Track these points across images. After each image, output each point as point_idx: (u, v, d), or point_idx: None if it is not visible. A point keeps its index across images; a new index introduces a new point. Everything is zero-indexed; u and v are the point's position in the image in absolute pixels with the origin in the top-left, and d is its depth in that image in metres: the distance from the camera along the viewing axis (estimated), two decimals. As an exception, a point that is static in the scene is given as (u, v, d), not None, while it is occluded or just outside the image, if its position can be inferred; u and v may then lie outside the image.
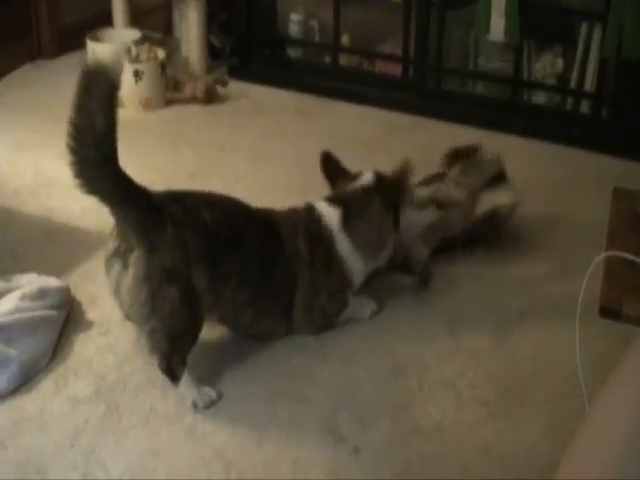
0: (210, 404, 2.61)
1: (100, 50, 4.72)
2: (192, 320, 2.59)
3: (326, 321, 2.92)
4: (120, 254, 2.53)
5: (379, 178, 2.90)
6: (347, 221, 2.83)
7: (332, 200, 2.89)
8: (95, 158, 2.37)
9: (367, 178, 2.91)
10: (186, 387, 2.60)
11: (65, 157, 3.98)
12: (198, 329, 2.63)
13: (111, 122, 2.36)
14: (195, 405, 2.59)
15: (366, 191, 2.88)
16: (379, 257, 2.94)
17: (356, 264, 2.87)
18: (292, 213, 2.88)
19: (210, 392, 2.63)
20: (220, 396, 2.64)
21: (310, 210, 2.87)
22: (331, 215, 2.84)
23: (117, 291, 2.58)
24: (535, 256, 3.35)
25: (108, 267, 2.59)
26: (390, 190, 2.89)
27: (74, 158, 2.38)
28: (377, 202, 2.87)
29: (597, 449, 1.45)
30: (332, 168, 2.98)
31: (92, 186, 2.42)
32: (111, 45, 4.75)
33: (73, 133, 2.36)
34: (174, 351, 2.57)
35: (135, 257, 2.48)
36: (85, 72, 2.35)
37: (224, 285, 2.62)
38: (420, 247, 3.15)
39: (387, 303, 3.09)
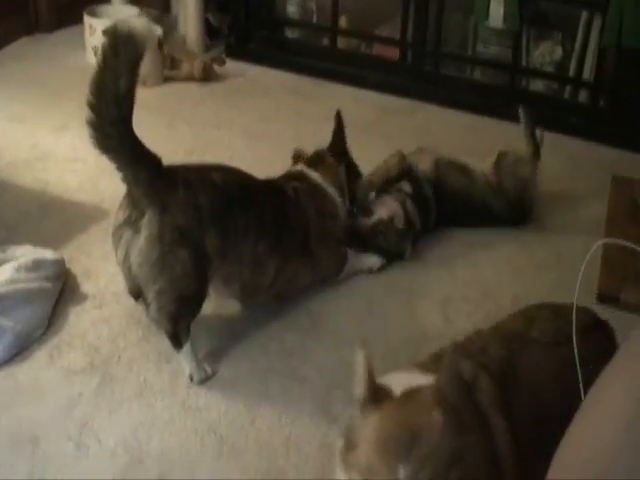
0: (205, 380, 2.61)
1: (97, 25, 4.71)
2: (200, 283, 2.61)
3: (339, 248, 3.10)
4: (130, 223, 2.55)
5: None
6: (310, 165, 3.15)
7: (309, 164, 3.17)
8: (113, 116, 2.41)
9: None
10: (186, 357, 2.61)
11: (61, 130, 4.02)
12: (204, 293, 2.65)
13: (132, 85, 2.41)
14: (191, 378, 2.60)
15: (319, 152, 3.21)
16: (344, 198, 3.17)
17: (336, 196, 3.11)
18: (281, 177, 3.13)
19: (207, 368, 2.64)
20: (215, 373, 2.64)
21: (291, 171, 3.17)
22: (297, 167, 3.18)
23: (126, 258, 2.58)
24: (531, 242, 3.35)
25: (117, 237, 2.60)
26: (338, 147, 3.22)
27: (93, 114, 2.41)
28: (328, 158, 3.19)
29: (593, 436, 1.45)
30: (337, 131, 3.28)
31: (107, 143, 2.46)
32: (108, 20, 4.73)
33: (94, 90, 2.39)
34: (181, 314, 2.58)
35: (147, 219, 2.51)
36: (114, 33, 2.38)
37: (242, 241, 2.68)
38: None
39: (380, 283, 3.11)
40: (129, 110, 2.44)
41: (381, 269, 3.18)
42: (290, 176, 3.11)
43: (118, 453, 2.35)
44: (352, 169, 3.25)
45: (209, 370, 2.64)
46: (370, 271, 3.17)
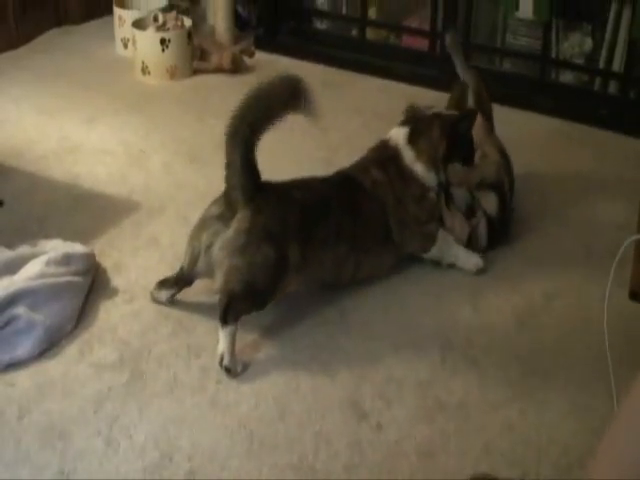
0: (234, 371, 2.63)
1: (126, 17, 4.72)
2: (272, 286, 2.72)
3: (423, 228, 3.07)
4: (223, 219, 2.71)
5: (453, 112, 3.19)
6: (412, 137, 3.06)
7: (404, 121, 3.14)
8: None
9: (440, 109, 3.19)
10: (225, 336, 2.63)
11: (91, 123, 4.04)
12: (270, 299, 2.74)
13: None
14: (220, 360, 2.62)
15: (432, 116, 3.10)
16: (439, 172, 3.07)
17: (423, 171, 3.04)
18: (364, 156, 3.14)
19: (238, 363, 2.65)
20: (245, 368, 2.65)
21: (388, 145, 3.11)
22: (399, 133, 3.09)
23: (209, 246, 2.71)
24: (560, 236, 3.32)
25: (205, 225, 2.76)
26: (452, 121, 3.08)
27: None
28: (437, 126, 3.05)
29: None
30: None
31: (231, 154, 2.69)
32: (138, 12, 4.75)
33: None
34: (241, 299, 2.66)
35: (240, 216, 2.68)
36: None
37: (322, 250, 2.82)
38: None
39: (410, 277, 3.09)
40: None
41: (479, 272, 3.12)
42: (378, 159, 3.08)
43: (148, 449, 2.36)
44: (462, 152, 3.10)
45: (239, 366, 2.65)
46: (469, 271, 3.12)
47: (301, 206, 2.80)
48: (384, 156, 3.08)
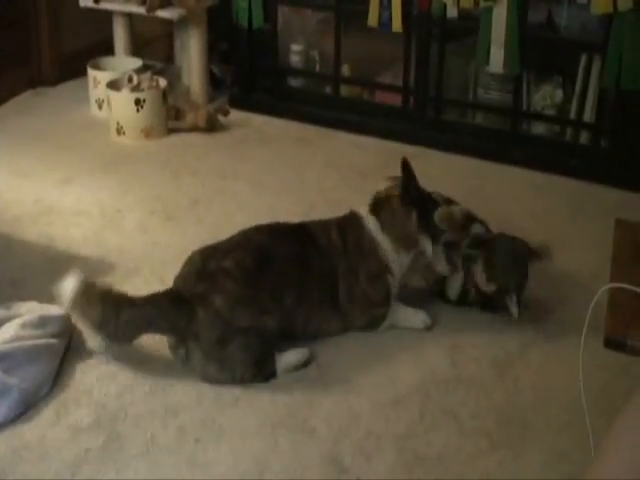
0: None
1: (101, 78, 4.75)
2: (263, 339, 2.80)
3: (373, 309, 3.04)
4: (183, 360, 2.83)
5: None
6: (375, 209, 3.05)
7: (373, 207, 3.09)
8: (110, 328, 2.74)
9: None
10: (287, 367, 2.85)
11: (65, 184, 4.05)
12: (272, 339, 2.83)
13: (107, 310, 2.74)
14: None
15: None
16: (410, 251, 3.04)
17: (389, 249, 3.02)
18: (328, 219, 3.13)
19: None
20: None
21: (352, 212, 3.12)
22: (361, 207, 3.08)
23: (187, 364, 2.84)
24: (536, 286, 3.33)
25: (173, 353, 2.87)
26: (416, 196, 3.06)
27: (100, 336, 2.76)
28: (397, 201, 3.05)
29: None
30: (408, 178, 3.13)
31: (121, 338, 2.78)
32: (112, 73, 4.78)
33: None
34: (261, 365, 2.81)
35: (190, 347, 2.77)
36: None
37: (271, 299, 2.83)
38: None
39: (388, 332, 3.09)
40: (116, 310, 2.73)
41: (426, 328, 3.11)
42: (340, 222, 3.08)
43: (125, 511, 2.34)
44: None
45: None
46: (415, 328, 3.11)
47: (234, 271, 2.80)
48: (346, 223, 3.07)
